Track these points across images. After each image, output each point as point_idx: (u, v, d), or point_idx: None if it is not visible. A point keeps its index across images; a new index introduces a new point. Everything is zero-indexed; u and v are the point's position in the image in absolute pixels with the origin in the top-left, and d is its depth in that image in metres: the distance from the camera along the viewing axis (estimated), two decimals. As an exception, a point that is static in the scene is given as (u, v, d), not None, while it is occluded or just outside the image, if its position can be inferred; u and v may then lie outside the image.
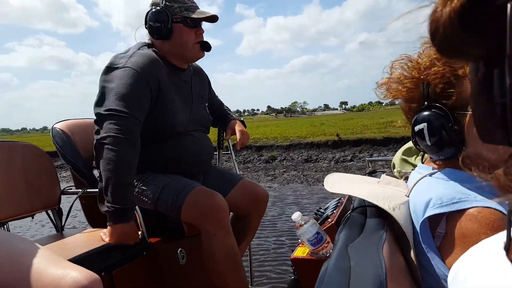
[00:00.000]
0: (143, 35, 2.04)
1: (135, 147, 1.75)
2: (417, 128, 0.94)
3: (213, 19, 1.98)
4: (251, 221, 2.22)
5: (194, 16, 1.93)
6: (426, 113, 0.92)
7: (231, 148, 2.60)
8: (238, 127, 2.32)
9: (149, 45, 1.99)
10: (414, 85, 0.95)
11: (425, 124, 0.92)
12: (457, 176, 0.91)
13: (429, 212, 0.85)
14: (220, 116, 2.45)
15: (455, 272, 0.46)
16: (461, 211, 0.82)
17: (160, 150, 1.94)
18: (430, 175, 0.97)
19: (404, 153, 1.83)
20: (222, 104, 2.52)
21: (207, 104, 2.24)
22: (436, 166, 1.00)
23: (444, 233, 0.85)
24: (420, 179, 0.98)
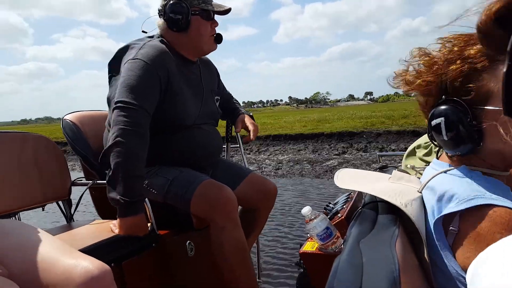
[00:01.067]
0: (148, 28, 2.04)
1: (144, 139, 1.75)
2: (434, 122, 0.91)
3: (227, 12, 1.98)
4: (259, 215, 2.23)
5: (212, 8, 1.93)
6: (443, 107, 0.90)
7: (240, 141, 2.59)
8: (248, 120, 2.32)
9: (159, 37, 1.99)
10: (432, 78, 0.93)
11: (442, 118, 0.89)
12: (473, 174, 0.90)
13: (446, 211, 0.84)
14: (229, 109, 2.45)
15: (473, 271, 0.45)
16: (476, 210, 0.81)
17: (170, 142, 1.94)
18: (445, 172, 0.95)
19: (414, 149, 1.81)
20: (231, 97, 2.51)
21: (216, 97, 2.24)
22: (451, 163, 0.99)
23: (457, 231, 0.84)
24: (434, 176, 0.97)
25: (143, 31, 2.04)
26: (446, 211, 0.84)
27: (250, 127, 2.27)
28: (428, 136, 0.98)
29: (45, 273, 1.02)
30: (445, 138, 0.90)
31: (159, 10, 1.95)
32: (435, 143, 0.98)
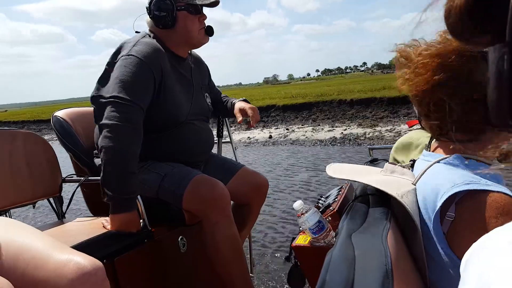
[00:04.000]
0: (140, 25, 2.02)
1: (137, 135, 1.74)
2: None
3: (215, 4, 1.96)
4: (251, 210, 2.23)
5: (197, 2, 1.91)
6: None
7: (231, 136, 2.59)
8: (246, 105, 2.26)
9: (150, 35, 1.98)
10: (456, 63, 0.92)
11: None
12: (468, 162, 0.91)
13: (445, 196, 0.84)
14: (221, 105, 2.43)
15: (466, 259, 0.46)
16: (472, 196, 0.82)
17: (162, 139, 1.93)
18: (439, 161, 0.96)
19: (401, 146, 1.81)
20: (221, 93, 2.50)
21: (207, 94, 2.23)
22: (443, 153, 0.99)
23: (453, 218, 0.85)
24: (429, 166, 0.98)
25: (136, 32, 2.02)
26: (444, 196, 0.85)
27: (249, 112, 2.20)
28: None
29: (37, 270, 1.01)
30: None
31: (146, 8, 1.94)
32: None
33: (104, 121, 1.70)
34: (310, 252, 1.37)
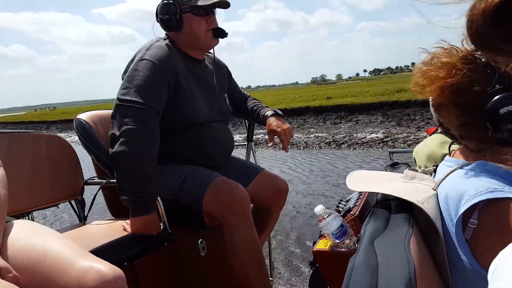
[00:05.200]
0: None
1: (153, 138, 1.76)
2: (504, 110, 0.84)
3: (224, 4, 1.95)
4: (270, 213, 2.22)
5: (201, 3, 1.90)
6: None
7: (252, 145, 2.60)
8: (277, 126, 2.16)
9: (166, 38, 1.99)
10: (470, 66, 0.88)
11: None
12: (490, 168, 0.88)
13: (468, 204, 0.82)
14: (249, 109, 2.39)
15: (494, 267, 0.44)
16: (495, 203, 0.80)
17: (181, 141, 1.94)
18: (462, 167, 0.94)
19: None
20: (248, 96, 2.48)
21: (226, 95, 2.23)
22: (465, 159, 0.97)
23: (476, 225, 0.83)
24: (451, 172, 0.96)
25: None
26: (467, 204, 0.82)
27: (281, 138, 2.13)
28: (492, 127, 0.88)
29: (58, 277, 1.02)
30: None
31: (155, 14, 1.96)
32: (493, 135, 0.89)
33: (119, 125, 1.72)
34: (331, 257, 1.36)
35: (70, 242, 1.15)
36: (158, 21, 1.95)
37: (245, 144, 2.64)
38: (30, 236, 1.14)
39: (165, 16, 1.90)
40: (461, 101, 0.90)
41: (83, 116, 2.14)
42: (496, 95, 0.84)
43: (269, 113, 2.26)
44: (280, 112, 2.27)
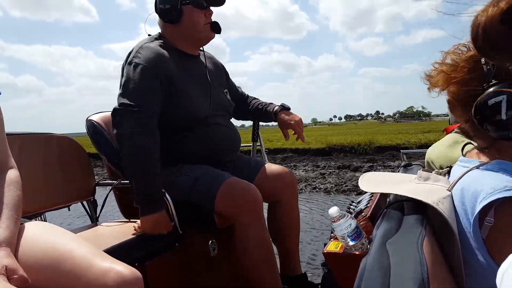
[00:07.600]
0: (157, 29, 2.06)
1: (152, 137, 1.78)
2: (492, 101, 0.88)
3: (220, 2, 2.00)
4: (285, 206, 2.18)
5: None
6: (501, 86, 0.88)
7: (261, 139, 2.59)
8: (291, 119, 2.24)
9: (159, 37, 2.00)
10: (473, 64, 0.93)
11: (504, 96, 0.87)
12: (507, 167, 0.88)
13: (484, 201, 0.81)
14: (255, 108, 2.41)
15: (504, 270, 0.44)
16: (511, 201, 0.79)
17: (188, 140, 1.95)
18: (478, 167, 0.93)
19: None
20: (248, 96, 2.50)
21: (226, 91, 2.23)
22: (480, 159, 0.96)
23: (492, 223, 0.82)
24: (466, 172, 0.95)
25: (148, 35, 2.05)
26: (484, 202, 0.82)
27: (297, 129, 2.21)
28: (476, 118, 0.93)
29: (78, 278, 1.02)
30: (504, 117, 0.87)
31: (154, 5, 1.98)
32: (482, 127, 0.93)
33: (118, 129, 1.75)
34: (342, 258, 1.34)
35: (88, 244, 1.15)
36: (157, 12, 1.97)
37: (250, 146, 2.63)
38: (49, 237, 1.14)
39: (166, 6, 1.93)
40: (463, 97, 0.96)
41: (95, 117, 2.15)
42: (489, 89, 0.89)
43: (277, 108, 2.30)
44: (287, 105, 2.31)
